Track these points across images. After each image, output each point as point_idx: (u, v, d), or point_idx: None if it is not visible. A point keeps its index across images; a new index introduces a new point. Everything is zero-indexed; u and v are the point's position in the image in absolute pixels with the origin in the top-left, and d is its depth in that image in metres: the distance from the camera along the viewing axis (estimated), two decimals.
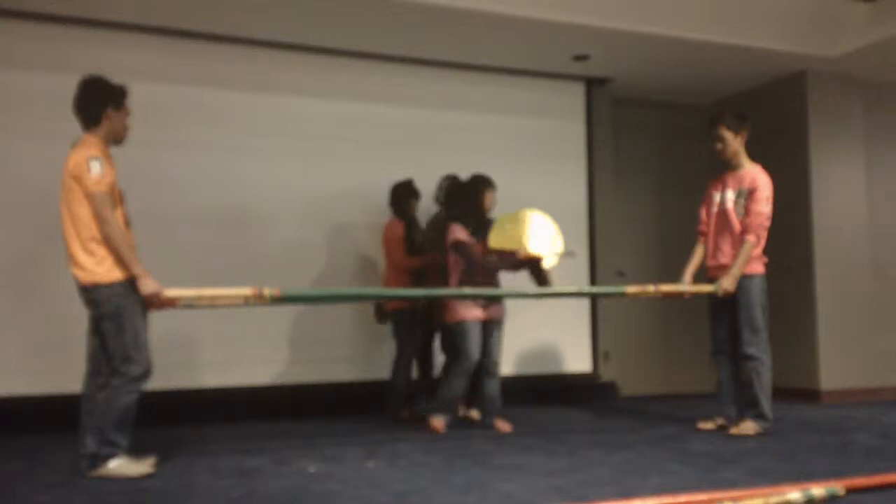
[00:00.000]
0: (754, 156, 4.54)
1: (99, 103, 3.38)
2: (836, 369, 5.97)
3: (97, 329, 3.35)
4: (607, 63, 5.93)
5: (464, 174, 4.87)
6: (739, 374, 4.41)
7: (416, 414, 4.99)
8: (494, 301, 4.60)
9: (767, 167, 4.49)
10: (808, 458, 3.63)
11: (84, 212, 3.26)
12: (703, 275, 4.59)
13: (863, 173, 6.31)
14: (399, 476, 3.29)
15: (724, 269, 4.41)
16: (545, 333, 5.96)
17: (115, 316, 3.28)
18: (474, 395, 4.81)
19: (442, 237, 4.75)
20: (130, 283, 3.29)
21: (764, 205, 4.34)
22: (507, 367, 5.80)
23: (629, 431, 4.55)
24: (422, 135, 5.73)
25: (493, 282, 4.64)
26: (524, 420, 4.96)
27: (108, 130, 3.41)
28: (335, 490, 3.03)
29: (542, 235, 4.57)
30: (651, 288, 4.37)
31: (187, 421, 4.77)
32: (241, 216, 5.22)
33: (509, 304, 4.95)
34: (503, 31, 5.22)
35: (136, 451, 3.37)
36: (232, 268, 5.01)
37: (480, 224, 4.63)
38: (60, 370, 4.35)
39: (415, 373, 5.15)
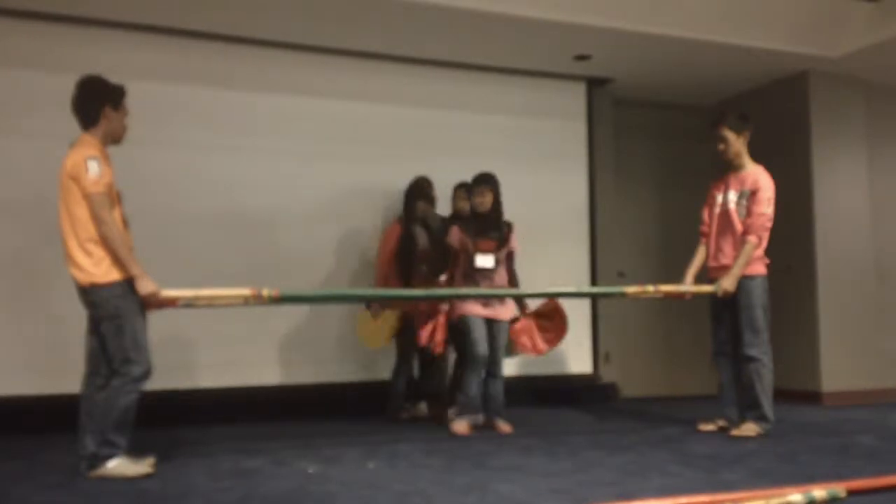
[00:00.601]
0: (756, 156, 4.53)
1: (97, 103, 3.37)
2: (837, 371, 5.95)
3: (96, 330, 3.34)
4: (609, 63, 5.92)
5: (465, 174, 4.86)
6: (741, 376, 4.40)
7: (414, 415, 4.99)
8: (497, 301, 4.59)
9: (769, 168, 4.48)
10: (809, 460, 3.62)
11: (82, 212, 3.25)
12: (704, 276, 4.58)
13: (865, 174, 6.29)
14: (399, 477, 3.28)
15: (725, 269, 4.40)
16: None
17: (114, 317, 3.27)
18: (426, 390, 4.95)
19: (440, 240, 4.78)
20: (129, 283, 3.28)
21: (766, 206, 4.34)
22: (509, 367, 5.76)
23: (630, 433, 4.53)
24: (422, 135, 5.71)
25: (493, 283, 4.61)
26: (525, 421, 4.96)
27: (106, 130, 3.41)
28: (334, 491, 3.02)
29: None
30: (651, 288, 4.36)
31: (186, 421, 4.76)
32: (240, 216, 5.21)
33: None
34: (503, 31, 5.21)
35: (135, 452, 3.36)
36: (231, 268, 4.99)
37: (481, 226, 4.60)
38: (59, 370, 4.34)
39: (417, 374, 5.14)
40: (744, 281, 4.34)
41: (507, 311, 4.68)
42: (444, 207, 5.20)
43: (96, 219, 3.23)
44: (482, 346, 4.49)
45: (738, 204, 4.42)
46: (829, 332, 5.96)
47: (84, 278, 3.26)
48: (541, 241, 5.88)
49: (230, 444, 4.10)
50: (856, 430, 4.57)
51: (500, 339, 4.63)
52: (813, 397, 5.89)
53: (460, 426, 4.46)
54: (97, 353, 3.36)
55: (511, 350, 4.78)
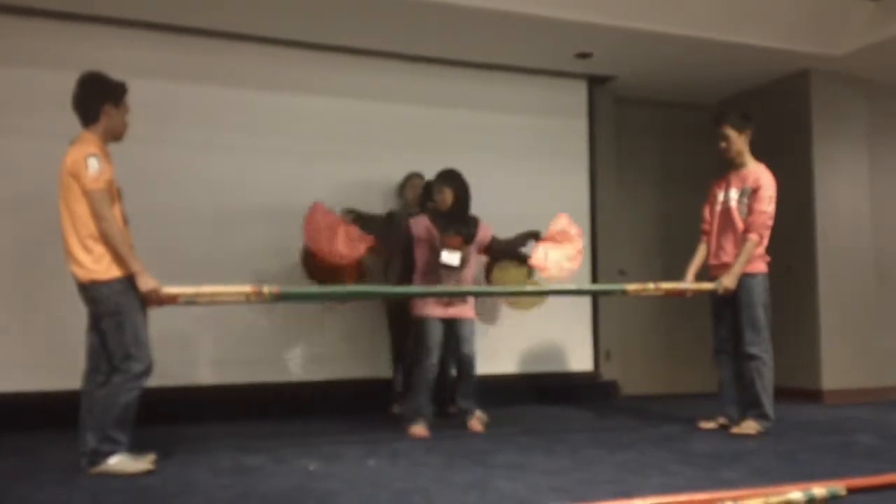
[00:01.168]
0: (757, 155, 4.53)
1: (97, 100, 3.37)
2: (838, 369, 5.95)
3: (96, 327, 3.34)
4: (610, 61, 5.91)
5: (466, 172, 4.84)
6: (741, 374, 4.40)
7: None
8: (459, 300, 4.47)
9: (770, 166, 4.48)
10: (809, 458, 3.62)
11: (82, 209, 3.25)
12: (705, 274, 4.58)
13: (866, 173, 6.29)
14: (400, 475, 3.29)
15: (726, 268, 4.40)
16: (546, 332, 5.94)
17: (115, 313, 3.27)
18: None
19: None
20: (129, 280, 3.28)
21: (767, 204, 4.33)
22: (509, 365, 5.81)
23: (630, 431, 4.54)
24: (422, 132, 5.71)
25: (458, 282, 4.47)
26: (525, 418, 4.96)
27: (106, 127, 3.40)
28: (335, 489, 3.02)
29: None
30: (651, 286, 4.35)
31: (187, 419, 4.76)
32: (241, 214, 5.21)
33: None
34: (505, 29, 5.21)
35: (135, 449, 3.36)
36: (231, 265, 4.99)
37: (447, 220, 4.48)
38: (60, 367, 4.34)
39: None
40: (744, 279, 4.34)
41: (470, 308, 4.55)
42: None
43: (96, 215, 3.24)
44: (434, 357, 4.39)
45: (739, 202, 4.42)
46: (829, 331, 5.96)
47: (84, 275, 3.27)
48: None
49: (231, 441, 4.10)
50: (856, 428, 4.57)
51: (465, 335, 4.50)
52: (813, 396, 5.89)
53: (417, 429, 4.31)
54: (97, 350, 3.36)
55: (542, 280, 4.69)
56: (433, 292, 4.40)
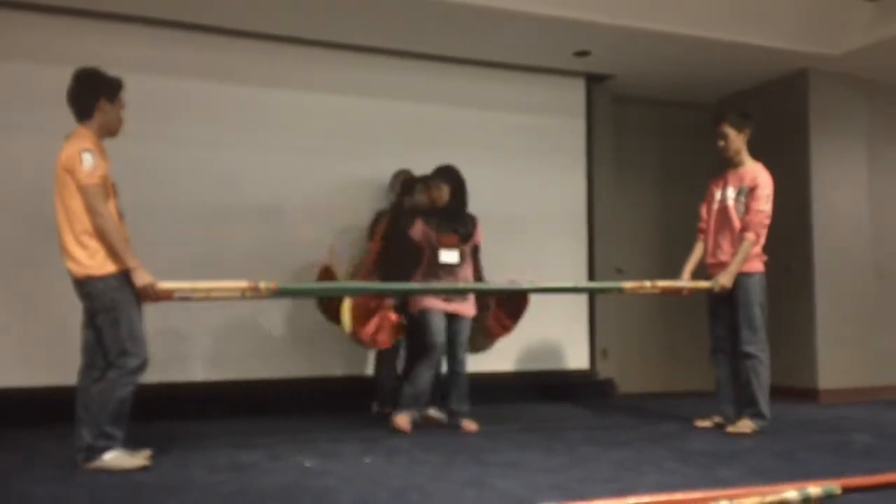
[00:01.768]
0: (755, 154, 4.53)
1: (92, 95, 3.36)
2: (834, 368, 5.96)
3: (92, 322, 3.33)
4: (608, 59, 5.91)
5: (464, 170, 4.83)
6: (738, 373, 4.41)
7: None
8: (460, 296, 4.46)
9: (768, 165, 4.48)
10: (805, 457, 3.63)
11: (77, 205, 3.24)
12: (702, 272, 4.58)
13: (864, 172, 6.29)
14: (397, 472, 3.28)
15: (723, 266, 4.40)
16: (543, 330, 5.93)
17: (110, 309, 3.26)
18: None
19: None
20: (124, 275, 3.27)
21: (764, 203, 4.34)
22: (505, 363, 5.80)
23: (627, 429, 4.54)
24: (421, 130, 5.69)
25: (457, 279, 4.46)
26: (522, 417, 4.96)
27: (101, 123, 3.39)
28: (332, 486, 3.02)
29: None
30: (648, 284, 4.35)
31: (183, 415, 4.75)
32: (239, 211, 5.20)
33: None
34: (503, 27, 5.20)
35: (131, 445, 3.36)
36: (229, 262, 4.98)
37: (445, 220, 4.47)
38: (56, 362, 4.32)
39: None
40: (741, 278, 4.34)
41: (470, 307, 4.54)
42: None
43: (91, 211, 3.23)
44: (440, 337, 4.35)
45: (736, 201, 4.42)
46: (826, 330, 5.96)
47: (79, 271, 3.26)
48: (539, 237, 5.88)
49: (227, 437, 4.09)
50: (852, 427, 4.58)
51: (462, 334, 4.49)
52: (810, 395, 5.89)
53: (402, 420, 4.30)
54: (93, 346, 3.35)
55: (483, 342, 4.71)
56: (433, 289, 4.40)
